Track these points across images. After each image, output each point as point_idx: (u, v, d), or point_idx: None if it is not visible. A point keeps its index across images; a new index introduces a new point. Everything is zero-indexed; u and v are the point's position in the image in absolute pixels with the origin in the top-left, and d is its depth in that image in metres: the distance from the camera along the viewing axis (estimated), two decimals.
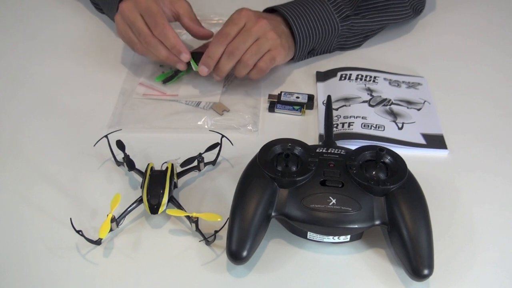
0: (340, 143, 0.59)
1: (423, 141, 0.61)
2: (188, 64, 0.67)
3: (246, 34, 0.64)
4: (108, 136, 0.58)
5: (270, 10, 0.72)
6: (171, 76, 0.70)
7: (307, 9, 0.69)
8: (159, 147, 0.61)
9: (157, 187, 0.51)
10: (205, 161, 0.57)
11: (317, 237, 0.49)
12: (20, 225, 0.53)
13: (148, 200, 0.51)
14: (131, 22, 0.66)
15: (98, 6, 0.82)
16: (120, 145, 0.57)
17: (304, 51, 0.71)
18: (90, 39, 0.79)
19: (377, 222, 0.48)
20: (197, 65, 0.66)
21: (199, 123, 0.64)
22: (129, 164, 0.55)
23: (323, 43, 0.72)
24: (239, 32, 0.65)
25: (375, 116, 0.64)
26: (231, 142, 0.60)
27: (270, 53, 0.66)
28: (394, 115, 0.65)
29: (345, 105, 0.66)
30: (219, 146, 0.58)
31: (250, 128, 0.63)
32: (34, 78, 0.72)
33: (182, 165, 0.55)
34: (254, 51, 0.64)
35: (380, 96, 0.67)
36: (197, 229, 0.50)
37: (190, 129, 0.63)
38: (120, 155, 0.57)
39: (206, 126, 0.63)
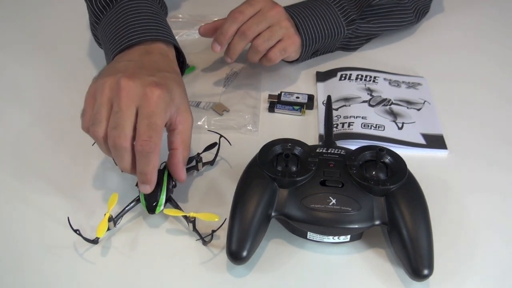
0: (340, 143, 0.58)
1: (423, 141, 0.61)
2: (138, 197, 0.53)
3: (261, 17, 0.65)
4: None
5: None
6: None
7: (314, 12, 0.69)
8: None
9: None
10: (204, 161, 0.57)
11: (317, 237, 0.49)
12: (17, 224, 0.52)
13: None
14: (102, 103, 0.49)
15: (98, 40, 0.68)
16: None
17: (309, 52, 0.71)
18: (91, 39, 0.78)
19: (377, 222, 0.48)
20: (145, 202, 0.51)
21: (199, 123, 0.63)
22: None
23: (327, 45, 0.72)
24: (254, 15, 0.65)
25: (375, 116, 0.64)
26: (229, 142, 0.59)
27: (282, 43, 0.66)
28: (394, 115, 0.64)
29: (345, 105, 0.66)
30: (217, 146, 0.58)
31: (250, 128, 0.63)
32: (34, 77, 0.72)
33: None
34: (266, 37, 0.65)
35: (380, 96, 0.67)
36: (194, 229, 0.50)
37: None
38: None
39: (206, 126, 0.63)
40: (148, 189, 0.50)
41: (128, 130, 0.48)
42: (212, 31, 0.68)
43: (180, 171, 0.52)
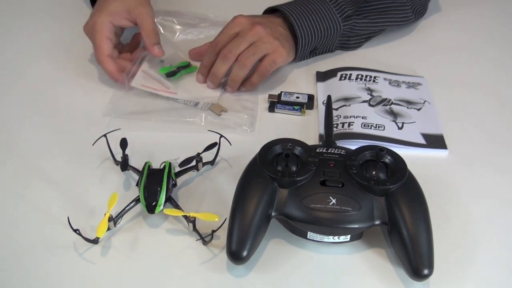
0: (340, 143, 0.58)
1: (423, 141, 0.61)
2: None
3: (240, 40, 0.65)
4: (107, 135, 0.58)
5: (272, 10, 0.72)
6: (173, 71, 0.70)
7: (309, 9, 0.69)
8: (158, 146, 0.61)
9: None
10: (204, 161, 0.57)
11: (317, 237, 0.49)
12: (18, 224, 0.52)
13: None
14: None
15: None
16: (123, 143, 0.57)
17: (306, 50, 0.71)
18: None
19: (377, 222, 0.48)
20: (145, 202, 0.51)
21: (195, 119, 0.64)
22: (123, 164, 0.55)
23: (325, 43, 0.72)
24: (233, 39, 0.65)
25: (375, 116, 0.64)
26: (229, 142, 0.59)
27: (270, 56, 0.66)
28: (394, 115, 0.64)
29: (345, 105, 0.66)
30: (217, 146, 0.58)
31: (246, 129, 0.63)
32: (33, 76, 0.72)
33: (180, 165, 0.55)
34: (251, 52, 0.65)
35: (380, 96, 0.67)
36: (194, 228, 0.50)
37: (186, 124, 0.63)
38: (119, 154, 0.57)
39: (202, 124, 0.63)
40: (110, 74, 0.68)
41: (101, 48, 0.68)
42: (199, 55, 0.70)
43: (152, 51, 0.68)
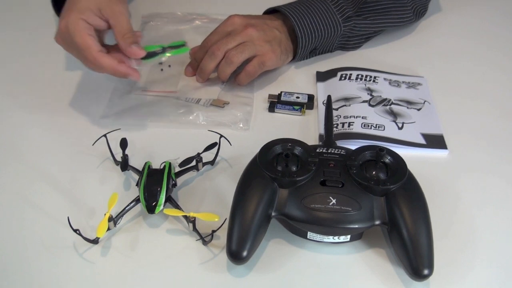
0: (340, 143, 0.58)
1: (423, 141, 0.61)
2: None
3: (229, 38, 0.66)
4: (107, 135, 0.58)
5: (272, 10, 0.72)
6: (153, 52, 0.64)
7: (310, 9, 0.69)
8: (158, 146, 0.61)
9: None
10: (204, 161, 0.57)
11: (317, 237, 0.49)
12: (18, 224, 0.52)
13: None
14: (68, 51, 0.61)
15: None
16: (123, 143, 0.57)
17: (305, 50, 0.71)
18: None
19: (377, 222, 0.48)
20: (145, 202, 0.51)
21: (190, 118, 0.64)
22: (123, 164, 0.55)
23: (325, 43, 0.72)
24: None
25: (375, 116, 0.64)
26: (229, 142, 0.59)
27: (259, 57, 0.66)
28: (394, 115, 0.64)
29: (345, 105, 0.66)
30: (217, 146, 0.58)
31: (241, 126, 0.63)
32: (33, 78, 0.72)
33: (180, 165, 0.55)
34: (239, 50, 0.65)
35: (380, 96, 0.67)
36: (194, 228, 0.50)
37: (182, 123, 0.64)
38: (119, 154, 0.57)
39: (197, 122, 0.63)
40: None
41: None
42: None
43: (130, 52, 0.58)
